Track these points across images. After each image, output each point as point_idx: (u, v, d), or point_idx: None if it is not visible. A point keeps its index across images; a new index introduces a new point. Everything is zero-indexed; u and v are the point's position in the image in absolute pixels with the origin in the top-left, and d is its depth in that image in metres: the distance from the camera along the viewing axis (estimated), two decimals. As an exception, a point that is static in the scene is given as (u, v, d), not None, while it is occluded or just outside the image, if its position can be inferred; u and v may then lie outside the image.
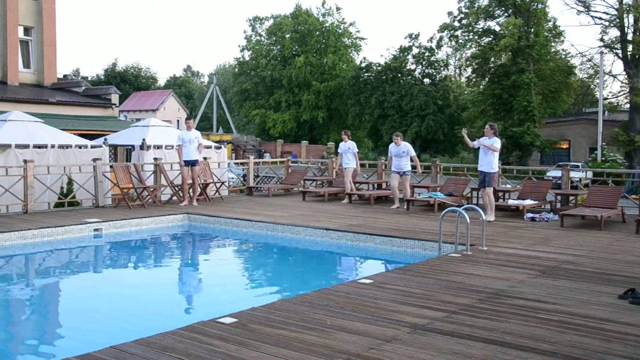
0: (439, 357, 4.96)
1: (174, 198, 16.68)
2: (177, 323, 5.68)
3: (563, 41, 49.13)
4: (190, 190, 15.93)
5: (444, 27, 50.63)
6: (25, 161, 14.34)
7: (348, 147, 17.17)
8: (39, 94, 26.70)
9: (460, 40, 50.86)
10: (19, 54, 27.88)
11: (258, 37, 65.47)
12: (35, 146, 16.07)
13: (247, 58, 65.63)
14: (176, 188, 16.68)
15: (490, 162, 13.42)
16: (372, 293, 7.08)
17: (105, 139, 19.28)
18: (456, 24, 49.89)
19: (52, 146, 16.49)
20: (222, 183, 18.32)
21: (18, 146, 15.68)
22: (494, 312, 6.32)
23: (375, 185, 19.05)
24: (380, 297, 6.87)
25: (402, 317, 6.11)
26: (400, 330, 5.67)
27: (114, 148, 20.78)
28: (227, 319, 5.92)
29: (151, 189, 16.03)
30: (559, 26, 48.17)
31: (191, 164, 15.58)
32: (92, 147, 17.38)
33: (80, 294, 8.97)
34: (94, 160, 15.85)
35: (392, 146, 15.86)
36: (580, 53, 52.96)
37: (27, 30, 28.42)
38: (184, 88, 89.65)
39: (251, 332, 5.54)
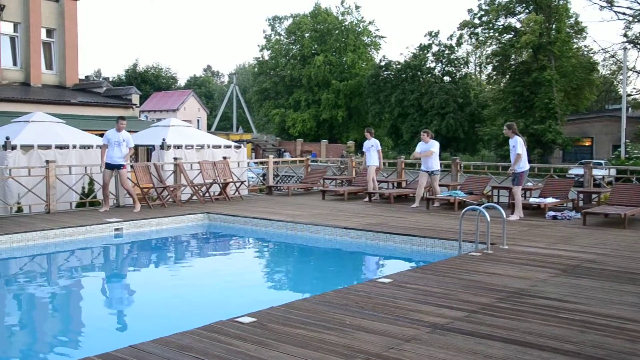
0: (459, 357, 4.91)
1: (194, 197, 16.75)
2: (195, 322, 5.69)
3: (585, 37, 48.69)
4: (126, 195, 15.19)
5: (464, 25, 50.33)
6: (47, 161, 14.48)
7: (371, 145, 17.16)
8: (61, 95, 26.99)
9: (481, 38, 50.50)
10: (41, 56, 28.22)
11: (277, 37, 65.56)
12: (57, 147, 16.24)
13: (266, 57, 65.75)
14: (196, 187, 16.76)
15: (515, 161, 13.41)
16: (392, 292, 7.04)
17: (126, 139, 19.41)
18: (476, 21, 49.57)
19: (74, 146, 16.64)
20: (242, 182, 18.37)
21: (40, 147, 15.84)
22: (515, 312, 6.26)
23: (395, 184, 18.98)
24: (400, 297, 6.84)
25: (422, 316, 6.07)
26: (420, 329, 5.63)
27: (135, 148, 20.94)
28: (245, 318, 5.92)
29: (171, 189, 16.11)
30: (581, 22, 47.74)
31: (115, 167, 14.32)
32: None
33: (101, 294, 9.05)
34: (115, 160, 15.97)
35: (420, 144, 16.00)
36: (603, 49, 52.34)
37: (49, 32, 28.76)
38: (204, 88, 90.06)
39: (270, 332, 5.54)
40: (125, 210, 14.75)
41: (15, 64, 27.66)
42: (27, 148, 15.54)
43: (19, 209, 14.79)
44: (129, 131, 15.17)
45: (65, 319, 7.86)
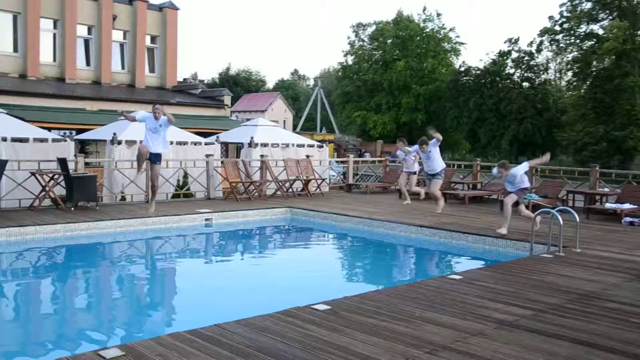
0: (524, 353, 4.83)
1: (278, 192, 17.04)
2: (275, 307, 5.83)
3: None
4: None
5: (544, 32, 48.65)
6: (147, 155, 15.05)
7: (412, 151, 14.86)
8: (162, 96, 27.99)
9: (561, 44, 48.67)
10: (145, 60, 29.40)
11: (361, 43, 65.45)
12: (156, 142, 16.84)
13: (350, 62, 65.77)
14: (280, 183, 17.03)
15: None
16: (461, 288, 6.97)
17: (218, 137, 19.94)
18: (557, 28, 47.79)
19: (171, 143, 17.21)
20: (323, 180, 18.52)
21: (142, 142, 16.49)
22: (584, 313, 6.07)
23: (470, 186, 18.64)
24: (469, 293, 6.76)
25: (490, 312, 5.99)
26: (487, 325, 5.57)
27: (225, 145, 21.50)
28: (321, 305, 6.02)
29: (257, 184, 16.45)
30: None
31: (153, 156, 12.17)
32: (205, 144, 18.04)
33: (190, 276, 9.36)
34: (207, 156, 16.45)
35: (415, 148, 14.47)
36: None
37: (153, 39, 29.91)
38: (290, 90, 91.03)
39: (343, 319, 5.61)
40: (216, 202, 15.18)
41: (123, 67, 28.93)
42: (130, 143, 16.22)
43: (123, 198, 15.48)
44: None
45: (158, 297, 8.21)
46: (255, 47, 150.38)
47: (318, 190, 17.95)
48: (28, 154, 14.51)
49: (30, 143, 14.81)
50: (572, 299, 6.62)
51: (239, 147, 20.41)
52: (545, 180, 17.21)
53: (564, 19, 47.06)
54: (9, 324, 6.93)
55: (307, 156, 18.60)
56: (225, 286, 8.41)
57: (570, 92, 52.00)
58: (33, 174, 13.01)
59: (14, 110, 18.83)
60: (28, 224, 10.87)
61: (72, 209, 12.84)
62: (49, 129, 17.88)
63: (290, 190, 17.19)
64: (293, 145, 19.86)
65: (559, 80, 59.07)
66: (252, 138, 18.70)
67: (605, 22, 45.10)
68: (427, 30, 61.31)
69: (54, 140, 15.35)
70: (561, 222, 9.06)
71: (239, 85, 79.98)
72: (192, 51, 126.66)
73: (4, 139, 14.41)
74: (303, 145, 20.16)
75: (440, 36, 61.20)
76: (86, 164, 14.99)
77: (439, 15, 62.59)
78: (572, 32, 47.02)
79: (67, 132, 20.74)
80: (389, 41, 61.89)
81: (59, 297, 8.17)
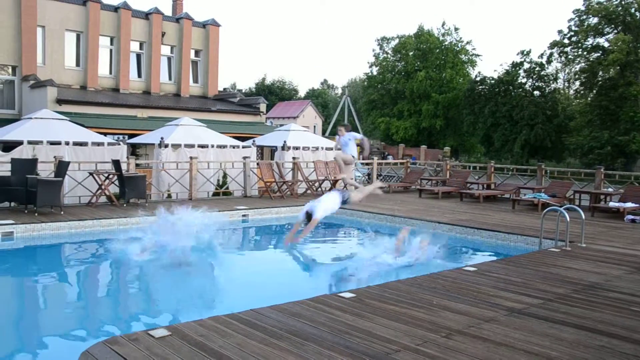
0: (532, 337, 4.78)
1: (308, 191, 17.07)
2: (305, 294, 5.86)
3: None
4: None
5: (554, 44, 47.92)
6: (191, 158, 15.24)
7: (348, 139, 12.83)
8: (204, 104, 28.26)
9: (570, 56, 47.86)
10: (190, 72, 29.72)
11: (385, 55, 65.20)
12: (199, 146, 17.05)
13: (374, 73, 65.58)
14: (310, 183, 17.06)
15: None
16: (476, 279, 6.92)
17: (254, 141, 20.06)
18: (566, 41, 47.04)
19: (212, 146, 17.41)
20: (350, 180, 18.48)
21: (186, 145, 16.70)
22: (588, 302, 5.99)
23: (485, 186, 18.46)
24: (483, 283, 6.71)
25: (501, 301, 5.94)
26: (499, 312, 5.52)
27: (260, 148, 21.63)
28: (346, 294, 6.04)
29: (289, 183, 16.51)
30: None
31: None
32: (243, 147, 18.17)
33: (228, 266, 9.42)
34: (244, 158, 16.56)
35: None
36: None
37: (197, 53, 30.22)
38: (320, 99, 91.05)
39: (366, 306, 5.62)
40: (252, 199, 15.27)
41: (170, 78, 29.29)
42: (176, 146, 16.42)
43: (169, 196, 15.67)
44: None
45: (200, 283, 8.27)
46: (289, 59, 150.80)
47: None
48: (87, 156, 14.81)
49: (89, 147, 15.10)
50: (577, 289, 6.53)
51: (273, 150, 20.51)
52: (553, 181, 16.95)
53: (572, 33, 46.33)
54: (71, 306, 7.09)
55: (335, 158, 18.58)
56: (259, 274, 8.46)
57: (577, 100, 51.15)
58: (91, 174, 13.26)
59: (75, 118, 19.23)
60: (87, 218, 11.09)
61: (125, 205, 13.05)
62: (105, 134, 18.20)
63: (319, 189, 17.22)
64: (322, 148, 19.88)
65: (567, 89, 58.09)
66: (285, 142, 18.77)
67: (611, 36, 44.24)
68: (446, 43, 60.85)
69: (109, 144, 15.61)
70: (568, 219, 8.92)
71: (273, 94, 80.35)
72: (231, 63, 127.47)
73: (67, 143, 14.74)
74: (331, 149, 20.17)
75: (457, 49, 60.67)
76: (137, 165, 15.22)
77: (456, 29, 61.74)
78: (579, 44, 46.25)
79: (121, 136, 21.07)
80: (411, 53, 61.61)
81: (114, 283, 8.32)
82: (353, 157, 12.46)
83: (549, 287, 6.57)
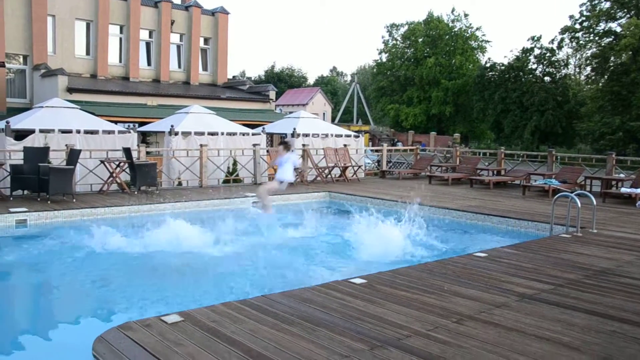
0: (543, 323, 4.77)
1: (318, 178, 17.06)
2: (315, 281, 5.87)
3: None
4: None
5: (565, 30, 47.43)
6: (201, 145, 15.26)
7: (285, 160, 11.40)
8: (213, 92, 28.25)
9: (581, 41, 47.38)
10: (199, 60, 29.70)
11: (394, 42, 64.86)
12: (209, 133, 17.05)
13: (384, 60, 65.29)
14: (320, 170, 17.05)
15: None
16: (486, 265, 6.91)
17: (264, 128, 20.05)
18: (577, 26, 46.54)
19: (222, 133, 17.41)
20: (359, 167, 18.48)
21: (196, 133, 16.71)
22: (599, 288, 5.96)
23: (495, 172, 18.36)
24: (494, 269, 6.69)
25: (512, 287, 5.92)
26: (509, 298, 5.51)
27: (270, 135, 21.60)
28: (357, 280, 6.04)
29: (299, 170, 16.50)
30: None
31: None
32: (252, 134, 18.16)
33: (238, 252, 9.44)
34: (254, 145, 16.56)
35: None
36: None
37: (206, 41, 30.18)
38: (329, 86, 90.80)
39: (378, 292, 5.62)
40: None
41: (179, 66, 29.29)
42: (186, 134, 16.44)
43: (179, 183, 15.73)
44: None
45: (212, 269, 8.29)
46: (298, 47, 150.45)
47: (354, 176, 17.91)
48: (98, 144, 14.87)
49: (100, 135, 15.16)
50: (588, 275, 6.50)
51: (282, 137, 20.47)
52: (564, 167, 16.83)
53: (584, 18, 45.81)
54: (85, 291, 7.16)
55: (345, 145, 18.57)
56: (270, 260, 8.47)
57: (588, 86, 50.69)
58: (102, 161, 13.32)
59: (85, 106, 19.29)
60: (98, 206, 11.16)
61: (136, 192, 13.12)
62: (116, 122, 18.26)
63: (329, 176, 17.21)
64: (332, 135, 19.84)
65: (578, 75, 57.55)
66: (294, 129, 18.75)
67: (623, 20, 43.69)
68: (456, 29, 60.43)
69: (119, 132, 15.66)
70: (579, 204, 8.87)
71: (282, 81, 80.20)
72: (240, 51, 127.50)
73: (78, 131, 14.80)
74: (341, 136, 20.13)
75: (467, 35, 60.23)
76: (147, 153, 15.28)
77: (466, 15, 61.33)
78: (591, 29, 45.74)
79: (131, 124, 21.14)
80: (420, 40, 61.24)
81: (127, 269, 8.36)
82: (281, 182, 11.29)
83: (560, 273, 6.54)
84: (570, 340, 4.42)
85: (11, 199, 11.66)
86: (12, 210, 10.28)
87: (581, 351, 4.21)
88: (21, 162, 12.15)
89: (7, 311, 6.56)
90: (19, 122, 15.00)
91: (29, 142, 13.89)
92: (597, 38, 45.80)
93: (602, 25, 45.44)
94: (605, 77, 45.05)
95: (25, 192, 12.31)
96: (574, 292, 5.76)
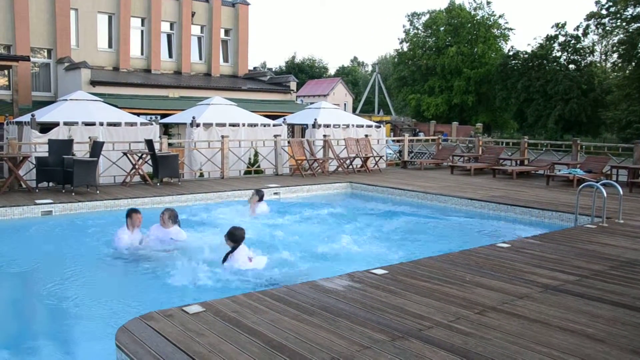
0: (568, 314, 4.70)
1: (339, 169, 17.04)
2: (337, 271, 5.86)
3: None
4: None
5: (590, 16, 46.52)
6: (222, 137, 15.32)
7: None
8: (234, 83, 28.33)
9: (608, 28, 46.39)
10: (220, 51, 29.78)
11: (415, 31, 64.28)
12: (230, 124, 17.12)
13: (405, 49, 64.77)
14: (341, 160, 17.01)
15: None
16: (509, 256, 6.83)
17: (285, 119, 20.06)
18: (604, 12, 45.57)
19: (243, 125, 17.46)
20: (381, 157, 18.41)
21: (218, 125, 16.79)
22: (626, 279, 5.85)
23: (518, 162, 18.14)
24: (517, 260, 6.61)
25: (536, 278, 5.84)
26: (533, 289, 5.44)
27: (291, 126, 21.60)
28: (379, 270, 6.02)
29: (320, 161, 16.50)
30: None
31: None
32: (274, 125, 18.18)
33: (261, 243, 9.47)
34: (275, 136, 16.58)
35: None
36: None
37: (227, 32, 30.24)
38: (350, 76, 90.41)
39: (399, 282, 5.59)
40: (283, 177, 15.32)
41: (200, 58, 29.42)
42: (207, 126, 16.52)
43: (201, 174, 15.83)
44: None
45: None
46: (318, 37, 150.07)
47: (376, 166, 17.85)
48: (120, 136, 15.02)
49: (122, 127, 15.31)
50: (614, 266, 6.38)
51: (303, 128, 20.48)
52: (589, 156, 16.56)
53: (611, 3, 44.81)
54: (109, 281, 7.25)
55: (366, 136, 18.49)
56: (291, 250, 8.47)
57: (615, 73, 49.69)
58: (125, 153, 13.45)
59: (108, 99, 19.50)
60: (121, 197, 11.28)
61: (158, 184, 13.24)
62: (138, 114, 18.44)
63: (350, 166, 17.17)
64: (353, 126, 19.78)
65: (604, 62, 56.48)
66: (315, 120, 18.73)
67: (652, 4, 42.61)
68: (478, 17, 59.62)
69: (142, 124, 15.80)
70: (605, 194, 8.71)
71: (303, 72, 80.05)
72: (261, 42, 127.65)
73: (101, 124, 14.97)
74: (362, 126, 20.06)
75: (489, 23, 59.42)
76: (169, 144, 15.38)
77: (488, 3, 60.39)
78: (618, 15, 44.73)
79: (153, 116, 21.32)
80: (442, 29, 60.59)
81: (149, 260, 8.43)
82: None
83: (584, 264, 6.44)
84: (595, 332, 4.35)
85: (37, 190, 11.85)
86: (37, 202, 10.45)
87: (607, 343, 4.14)
88: (46, 154, 12.33)
89: (34, 299, 6.67)
90: (43, 115, 15.23)
91: (53, 134, 14.09)
92: (624, 24, 44.77)
93: (630, 10, 44.38)
94: (633, 64, 44.07)
95: (50, 184, 12.50)
96: (599, 283, 5.67)
